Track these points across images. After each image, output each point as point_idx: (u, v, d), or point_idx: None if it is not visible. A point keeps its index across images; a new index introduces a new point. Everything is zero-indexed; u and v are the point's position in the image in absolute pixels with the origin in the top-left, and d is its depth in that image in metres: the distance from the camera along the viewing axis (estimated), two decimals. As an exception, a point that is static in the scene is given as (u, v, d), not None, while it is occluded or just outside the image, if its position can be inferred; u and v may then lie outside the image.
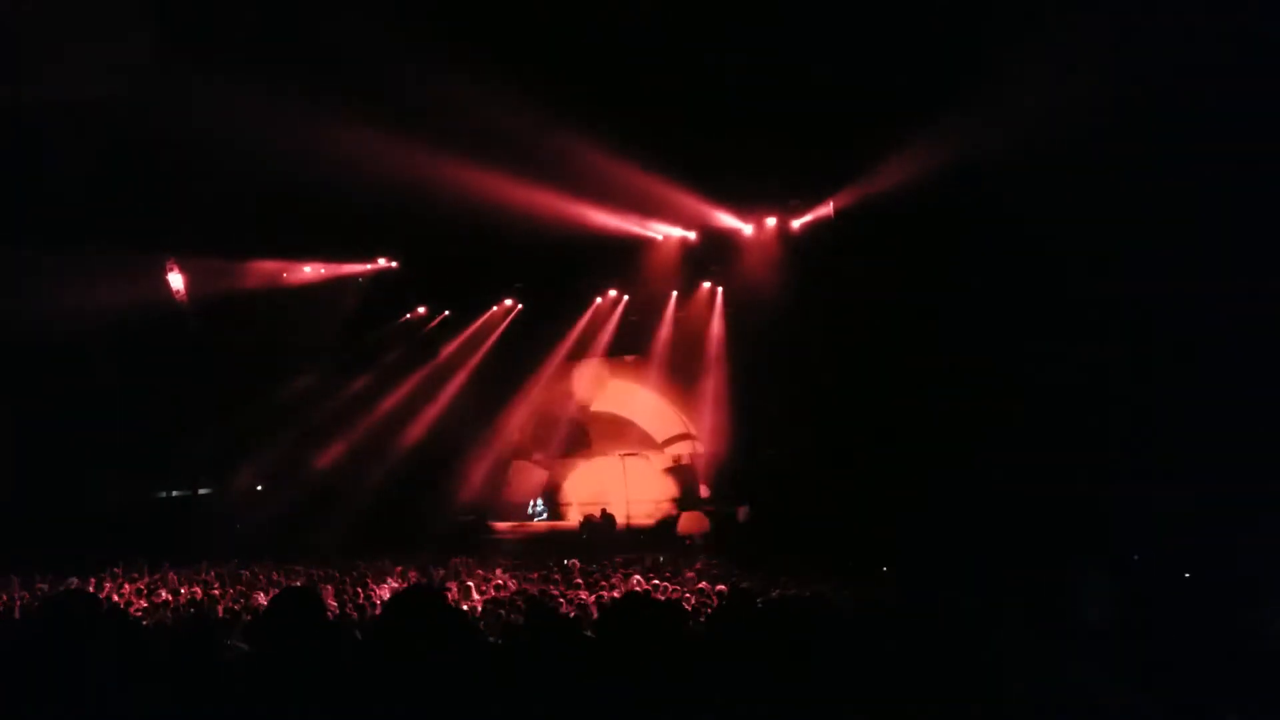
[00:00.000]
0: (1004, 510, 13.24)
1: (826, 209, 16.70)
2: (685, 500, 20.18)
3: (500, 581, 12.31)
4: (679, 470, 20.85)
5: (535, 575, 13.11)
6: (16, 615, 10.21)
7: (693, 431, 20.98)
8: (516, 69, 12.22)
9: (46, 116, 13.14)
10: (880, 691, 4.08)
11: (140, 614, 10.71)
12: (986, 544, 12.26)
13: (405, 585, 12.62)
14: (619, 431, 21.37)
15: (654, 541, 18.03)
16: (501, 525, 20.05)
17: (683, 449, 21.02)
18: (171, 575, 13.81)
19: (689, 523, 19.00)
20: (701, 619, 8.15)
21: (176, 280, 18.55)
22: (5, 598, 11.46)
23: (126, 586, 13.05)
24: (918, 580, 11.46)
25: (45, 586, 12.31)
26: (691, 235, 18.42)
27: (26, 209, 14.33)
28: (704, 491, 20.26)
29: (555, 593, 10.62)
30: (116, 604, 11.24)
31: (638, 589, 11.44)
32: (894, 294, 14.95)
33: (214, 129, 13.07)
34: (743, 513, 18.95)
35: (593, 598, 9.74)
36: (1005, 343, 14.67)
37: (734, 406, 19.48)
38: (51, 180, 14.01)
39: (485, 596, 10.92)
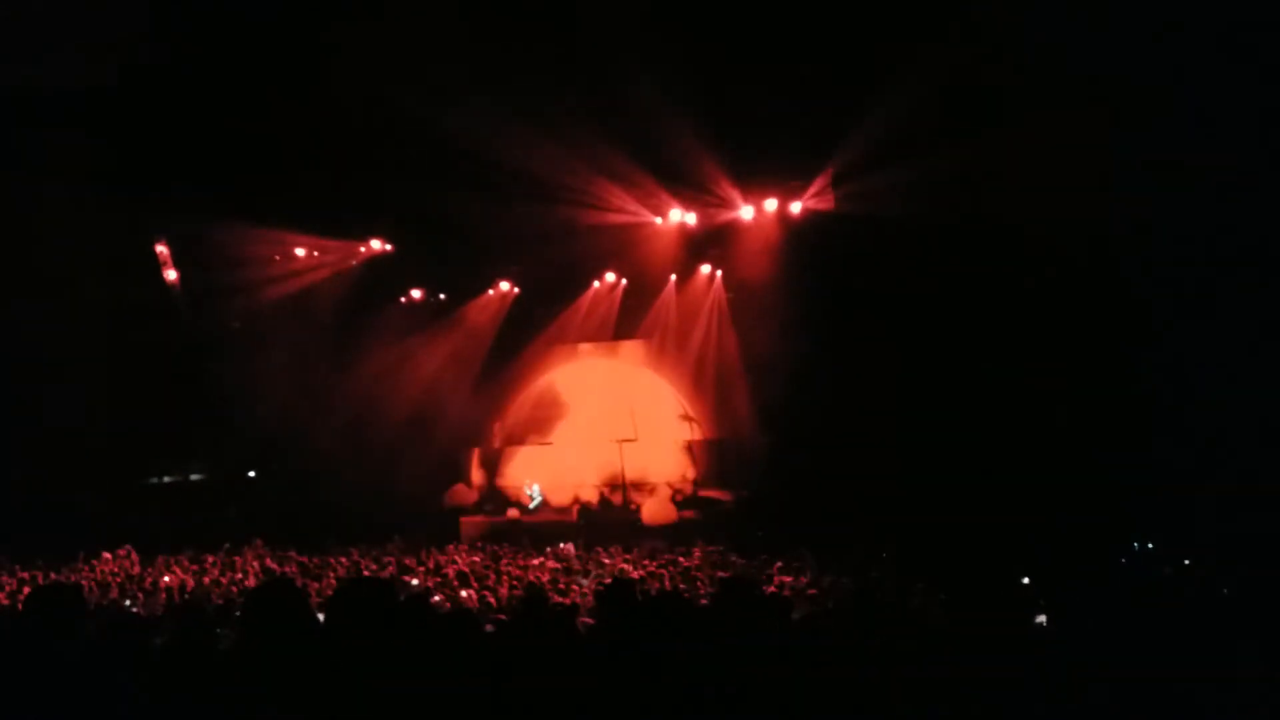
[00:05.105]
0: (1003, 502, 13.17)
1: (827, 193, 16.48)
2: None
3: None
4: (677, 456, 20.69)
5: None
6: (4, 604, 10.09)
7: (692, 416, 20.83)
8: (513, 44, 12.05)
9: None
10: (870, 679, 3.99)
11: (132, 602, 10.61)
12: (985, 537, 12.19)
13: (398, 570, 12.54)
14: (616, 417, 21.20)
15: (652, 528, 17.94)
16: (496, 510, 19.92)
17: (681, 435, 20.86)
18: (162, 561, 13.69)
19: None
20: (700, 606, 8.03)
21: (169, 271, 18.49)
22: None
23: (119, 573, 12.94)
24: (916, 573, 11.36)
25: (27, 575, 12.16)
26: (690, 218, 18.18)
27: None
28: (700, 477, 20.15)
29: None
30: (105, 594, 11.13)
31: (633, 575, 11.36)
32: (895, 278, 14.79)
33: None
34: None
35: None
36: (1006, 332, 14.57)
37: (734, 392, 19.34)
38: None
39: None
